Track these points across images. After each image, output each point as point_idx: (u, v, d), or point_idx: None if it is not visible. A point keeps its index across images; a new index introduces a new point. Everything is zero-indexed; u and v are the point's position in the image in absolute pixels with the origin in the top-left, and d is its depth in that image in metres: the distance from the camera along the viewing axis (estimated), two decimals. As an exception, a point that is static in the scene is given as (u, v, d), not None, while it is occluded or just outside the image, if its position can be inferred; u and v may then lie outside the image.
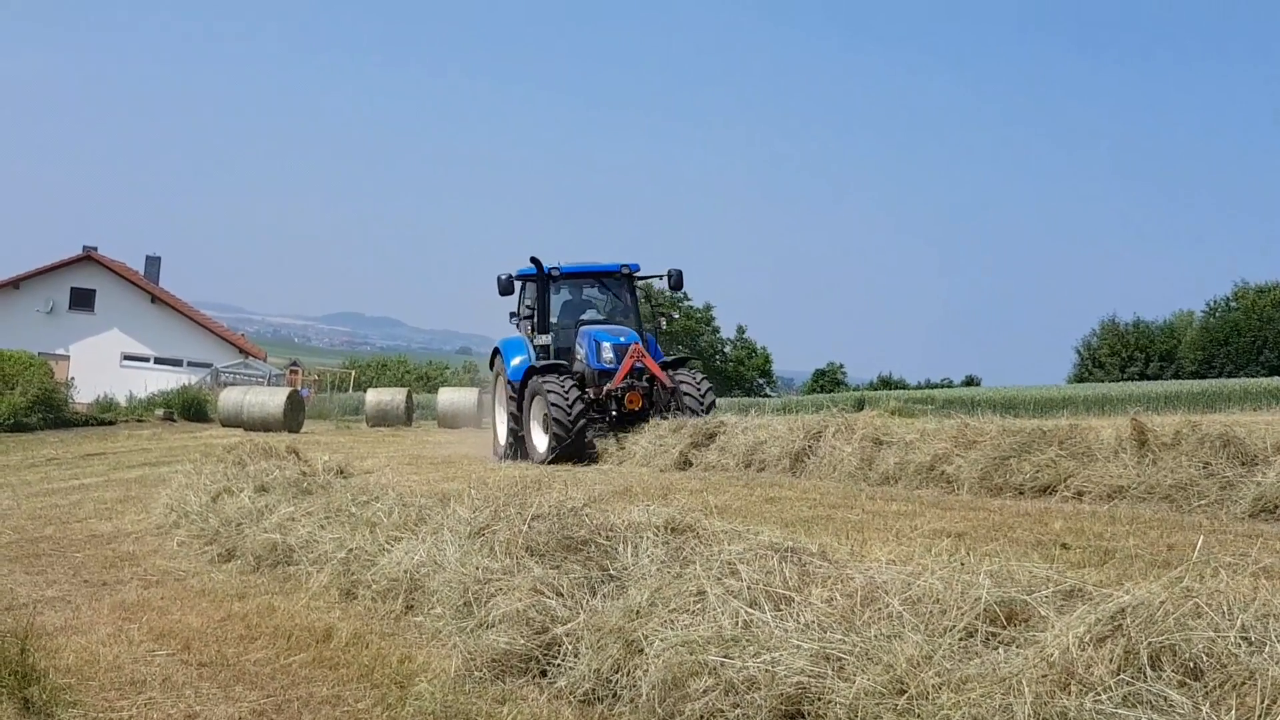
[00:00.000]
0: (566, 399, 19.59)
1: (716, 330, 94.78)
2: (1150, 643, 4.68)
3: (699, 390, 20.97)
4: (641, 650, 6.21)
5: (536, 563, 7.78)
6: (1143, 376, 73.81)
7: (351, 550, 9.90)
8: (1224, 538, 9.97)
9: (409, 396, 47.13)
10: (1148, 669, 4.59)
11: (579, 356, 22.05)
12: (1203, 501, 11.72)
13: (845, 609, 5.90)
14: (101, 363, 60.38)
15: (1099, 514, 11.80)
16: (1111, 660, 4.67)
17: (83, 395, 49.34)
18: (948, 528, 10.79)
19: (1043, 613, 5.38)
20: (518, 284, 23.66)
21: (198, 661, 7.78)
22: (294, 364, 73.10)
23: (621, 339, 21.48)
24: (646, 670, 6.02)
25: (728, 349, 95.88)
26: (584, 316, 23.54)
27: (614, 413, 21.10)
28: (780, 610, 6.05)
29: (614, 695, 6.19)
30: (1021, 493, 13.45)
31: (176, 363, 62.79)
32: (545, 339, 22.45)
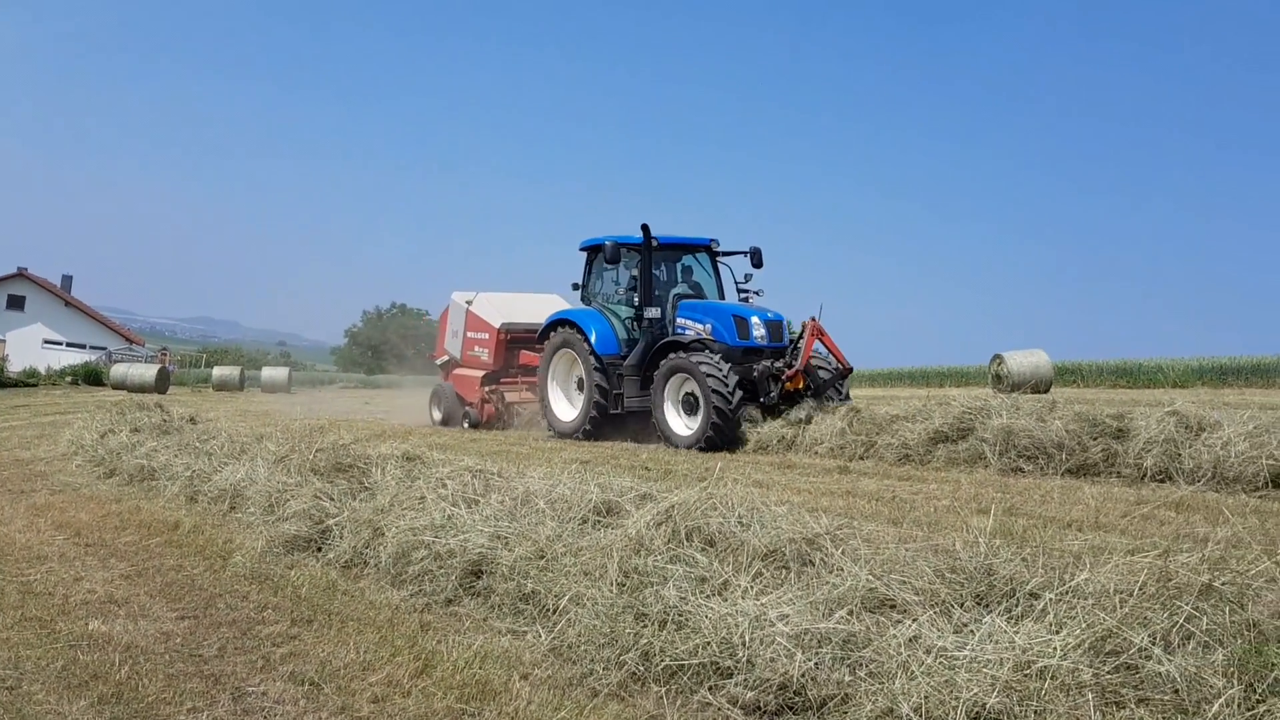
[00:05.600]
0: (726, 383, 11.93)
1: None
2: (686, 525, 4.81)
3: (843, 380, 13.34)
4: (383, 534, 5.98)
5: (318, 479, 7.40)
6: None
7: (195, 471, 9.19)
8: (736, 464, 10.42)
9: (242, 372, 44.25)
10: (685, 540, 4.71)
11: (701, 331, 13.24)
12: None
13: (510, 506, 5.85)
14: (28, 345, 54.70)
15: (669, 450, 12.14)
16: (665, 535, 4.77)
17: (14, 367, 44.40)
18: (579, 457, 10.87)
19: (627, 508, 5.47)
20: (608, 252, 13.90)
21: (85, 543, 7.06)
22: (164, 349, 67.59)
23: (768, 314, 13.23)
24: (386, 546, 5.80)
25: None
26: (677, 291, 14.33)
27: (771, 394, 12.62)
28: (471, 508, 5.95)
29: (365, 562, 5.94)
30: (627, 438, 13.70)
31: (81, 346, 57.17)
32: (654, 311, 13.81)
